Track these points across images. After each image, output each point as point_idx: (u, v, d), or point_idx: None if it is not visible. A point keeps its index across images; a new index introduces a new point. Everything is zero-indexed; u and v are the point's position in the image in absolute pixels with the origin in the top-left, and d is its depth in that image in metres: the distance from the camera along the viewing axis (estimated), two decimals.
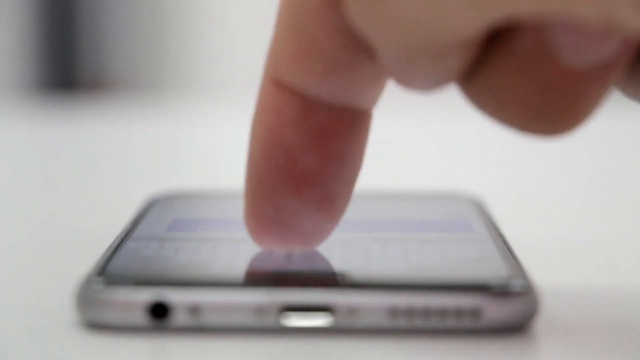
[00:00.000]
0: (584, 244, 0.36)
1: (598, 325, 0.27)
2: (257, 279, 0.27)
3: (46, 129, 0.71)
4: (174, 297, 0.25)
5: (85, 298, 0.26)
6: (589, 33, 0.21)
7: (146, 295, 0.25)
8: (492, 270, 0.27)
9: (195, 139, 0.67)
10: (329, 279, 0.26)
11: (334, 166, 0.25)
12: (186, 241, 0.30)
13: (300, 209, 0.26)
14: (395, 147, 0.64)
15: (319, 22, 0.24)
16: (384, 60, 0.23)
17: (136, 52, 1.78)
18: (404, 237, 0.30)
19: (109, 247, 0.29)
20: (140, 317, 0.25)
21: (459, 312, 0.25)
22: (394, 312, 0.25)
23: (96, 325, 0.26)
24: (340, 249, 0.29)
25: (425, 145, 0.65)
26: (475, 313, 0.25)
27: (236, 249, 0.29)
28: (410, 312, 0.25)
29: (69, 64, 1.69)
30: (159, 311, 0.25)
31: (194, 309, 0.25)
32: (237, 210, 0.28)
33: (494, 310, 0.25)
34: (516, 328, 0.26)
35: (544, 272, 0.29)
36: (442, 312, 0.25)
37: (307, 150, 0.25)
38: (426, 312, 0.25)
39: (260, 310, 0.25)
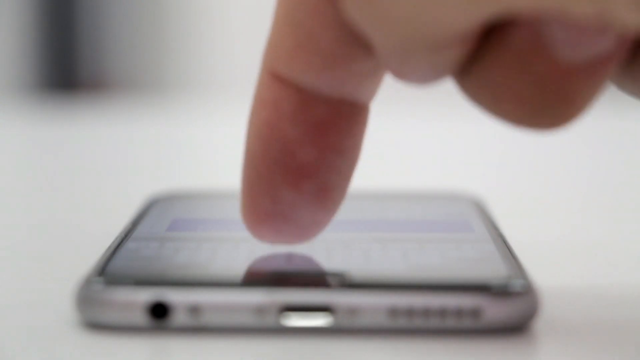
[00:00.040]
0: (584, 244, 0.36)
1: (598, 325, 0.27)
2: (257, 279, 0.27)
3: (46, 129, 0.71)
4: (174, 297, 0.25)
5: (85, 298, 0.26)
6: (583, 28, 0.22)
7: (146, 295, 0.25)
8: (492, 270, 0.27)
9: (195, 139, 0.67)
10: (329, 279, 0.26)
11: (331, 159, 0.26)
12: (186, 241, 0.30)
13: (297, 201, 0.26)
14: (395, 147, 0.64)
15: (316, 17, 0.24)
16: (381, 54, 0.23)
17: (136, 52, 1.78)
18: (404, 237, 0.30)
19: (109, 247, 0.29)
20: (140, 317, 0.25)
21: (459, 312, 0.25)
22: (394, 312, 0.25)
23: (96, 325, 0.26)
24: (340, 249, 0.29)
25: (425, 145, 0.65)
26: (475, 313, 0.25)
27: (236, 249, 0.29)
28: (410, 312, 0.25)
29: (69, 64, 1.69)
30: (159, 311, 0.25)
31: (194, 309, 0.25)
32: (237, 210, 0.28)
33: (494, 310, 0.25)
34: (516, 328, 0.26)
35: (544, 272, 0.29)
36: (442, 312, 0.25)
37: (305, 143, 0.25)
38: (426, 312, 0.25)
39: (260, 310, 0.25)
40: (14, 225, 0.40)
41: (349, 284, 0.26)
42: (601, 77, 0.22)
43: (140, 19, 1.77)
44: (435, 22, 0.22)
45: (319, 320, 0.25)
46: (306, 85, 0.25)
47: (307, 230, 0.27)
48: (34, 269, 0.33)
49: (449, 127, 0.70)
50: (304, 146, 0.25)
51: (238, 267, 0.27)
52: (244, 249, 0.29)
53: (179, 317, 0.25)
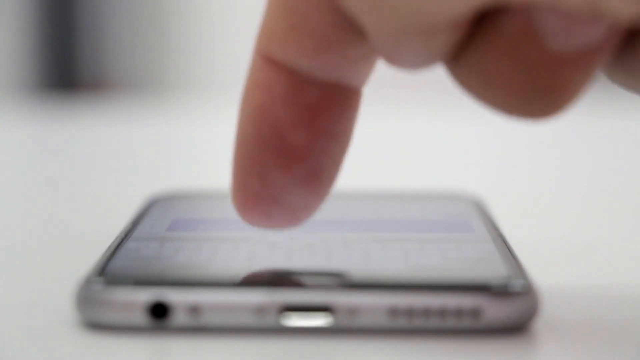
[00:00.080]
0: (584, 244, 0.36)
1: (598, 325, 0.27)
2: (257, 279, 0.27)
3: (46, 129, 0.71)
4: (174, 297, 0.25)
5: (85, 298, 0.26)
6: (575, 18, 0.22)
7: (146, 295, 0.25)
8: (492, 270, 0.27)
9: (195, 139, 0.67)
10: (329, 279, 0.26)
11: (322, 143, 0.25)
12: (186, 241, 0.30)
13: (287, 184, 0.26)
14: (395, 147, 0.64)
15: (310, 1, 0.24)
16: (373, 39, 0.23)
17: (136, 52, 1.78)
18: (404, 237, 0.30)
19: (109, 247, 0.29)
20: (140, 317, 0.25)
21: (459, 312, 0.25)
22: (394, 312, 0.25)
23: (96, 325, 0.26)
24: (340, 249, 0.29)
25: (425, 145, 0.65)
26: (475, 313, 0.25)
27: (236, 249, 0.29)
28: (410, 312, 0.25)
29: (69, 64, 1.69)
30: (159, 311, 0.25)
31: (194, 309, 0.25)
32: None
33: (494, 310, 0.25)
34: (516, 328, 0.26)
35: (544, 272, 0.29)
36: (442, 312, 0.25)
37: (297, 126, 0.25)
38: (426, 312, 0.25)
39: (260, 310, 0.25)
40: (14, 225, 0.40)
41: (349, 284, 0.26)
42: (592, 66, 0.23)
43: (140, 19, 1.77)
44: (428, 8, 0.22)
45: (319, 320, 0.25)
46: (299, 69, 0.25)
47: (297, 214, 0.27)
48: (34, 269, 0.33)
49: (449, 127, 0.70)
50: (296, 129, 0.25)
51: (238, 267, 0.27)
52: (244, 249, 0.29)
53: (179, 317, 0.25)
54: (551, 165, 0.57)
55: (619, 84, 0.24)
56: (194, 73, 1.76)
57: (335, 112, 0.25)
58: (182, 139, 0.67)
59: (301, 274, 0.27)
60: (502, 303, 0.25)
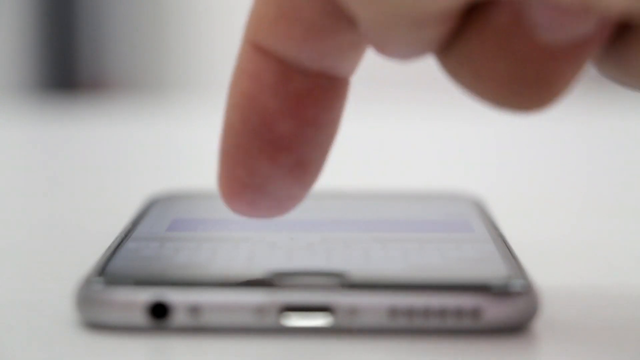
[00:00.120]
0: (584, 244, 0.36)
1: (598, 325, 0.27)
2: (257, 279, 0.27)
3: (46, 129, 0.71)
4: (174, 297, 0.25)
5: (85, 298, 0.26)
6: (565, 10, 0.22)
7: (146, 295, 0.25)
8: (492, 270, 0.27)
9: (195, 139, 0.67)
10: (329, 279, 0.26)
11: (309, 132, 0.25)
12: (186, 241, 0.30)
13: (273, 173, 0.26)
14: (395, 147, 0.64)
15: None
16: (363, 28, 0.23)
17: (136, 52, 1.78)
18: (404, 237, 0.30)
19: (109, 247, 0.29)
20: (140, 317, 0.25)
21: (459, 312, 0.25)
22: (394, 312, 0.25)
23: (96, 325, 0.26)
24: (340, 249, 0.29)
25: (425, 145, 0.65)
26: (475, 313, 0.25)
27: (236, 249, 0.29)
28: (410, 312, 0.25)
29: (69, 64, 1.69)
30: (159, 311, 0.25)
31: (194, 309, 0.25)
32: None
33: (494, 310, 0.25)
34: (516, 328, 0.26)
35: (544, 272, 0.29)
36: (442, 312, 0.25)
37: (284, 115, 0.25)
38: (426, 312, 0.25)
39: (260, 310, 0.25)
40: (14, 225, 0.40)
41: (349, 284, 0.26)
42: (581, 60, 0.22)
43: (140, 19, 1.77)
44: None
45: (319, 320, 0.25)
46: (287, 57, 0.25)
47: (282, 204, 0.27)
48: (34, 269, 0.33)
49: (449, 127, 0.70)
50: (283, 118, 0.25)
51: (238, 267, 0.27)
52: (244, 249, 0.29)
53: (179, 317, 0.25)
54: (551, 165, 0.57)
55: (609, 77, 0.24)
56: (194, 73, 1.76)
57: (323, 102, 0.25)
58: (182, 139, 0.67)
59: (301, 274, 0.27)
60: (502, 303, 0.25)
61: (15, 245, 0.36)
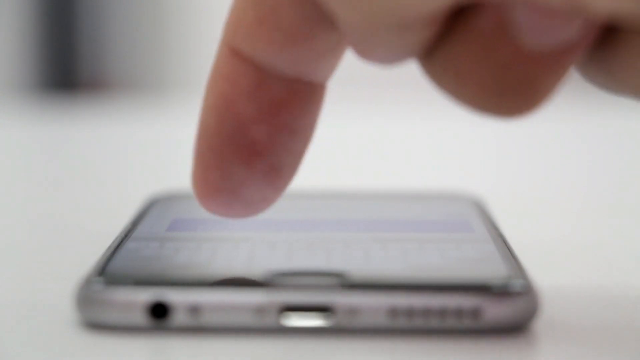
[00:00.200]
0: (584, 244, 0.36)
1: (598, 325, 0.27)
2: (257, 279, 0.27)
3: (46, 129, 0.71)
4: (174, 297, 0.25)
5: (85, 298, 0.26)
6: (549, 15, 0.21)
7: (146, 295, 0.25)
8: (492, 270, 0.27)
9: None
10: (329, 279, 0.26)
11: (284, 138, 0.25)
12: (186, 241, 0.30)
13: (247, 178, 0.26)
14: (395, 147, 0.64)
15: None
16: (346, 33, 0.23)
17: (136, 52, 1.78)
18: (404, 237, 0.30)
19: (109, 247, 0.29)
20: (140, 317, 0.25)
21: (459, 312, 0.25)
22: (394, 312, 0.25)
23: (96, 325, 0.26)
24: (340, 249, 0.29)
25: (425, 145, 0.65)
26: (475, 313, 0.25)
27: (236, 249, 0.29)
28: (410, 312, 0.25)
29: (69, 64, 1.69)
30: (159, 311, 0.25)
31: (194, 309, 0.25)
32: None
33: (494, 310, 0.25)
34: (516, 328, 0.26)
35: (544, 272, 0.29)
36: (442, 312, 0.25)
37: (259, 120, 0.25)
38: (426, 312, 0.25)
39: (260, 310, 0.25)
40: (14, 225, 0.40)
41: (349, 284, 0.26)
42: (566, 64, 0.22)
43: (140, 19, 1.77)
44: (403, 3, 0.22)
45: (319, 320, 0.25)
46: (265, 63, 0.25)
47: (255, 206, 0.26)
48: (34, 269, 0.33)
49: (449, 127, 0.70)
50: (258, 124, 0.25)
51: (238, 267, 0.27)
52: (244, 249, 0.29)
53: (179, 317, 0.25)
54: (551, 165, 0.57)
55: (594, 82, 0.24)
56: (194, 73, 1.76)
57: (299, 107, 0.25)
58: (182, 139, 0.67)
59: (301, 274, 0.27)
60: (502, 303, 0.25)
61: (15, 245, 0.36)
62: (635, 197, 0.47)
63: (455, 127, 0.69)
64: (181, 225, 0.32)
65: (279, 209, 0.33)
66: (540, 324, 0.26)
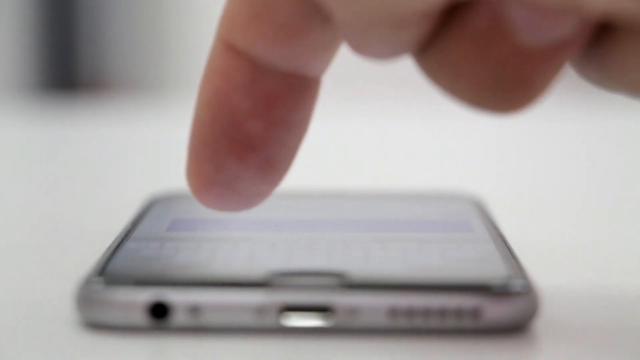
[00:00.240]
0: (584, 244, 0.36)
1: (598, 325, 0.27)
2: (257, 279, 0.27)
3: (46, 129, 0.71)
4: (174, 297, 0.25)
5: (85, 298, 0.26)
6: (544, 12, 0.21)
7: (146, 295, 0.25)
8: (492, 270, 0.27)
9: None
10: (329, 279, 0.26)
11: (278, 132, 0.25)
12: (186, 241, 0.30)
13: (241, 172, 0.26)
14: (395, 146, 0.64)
15: None
16: (341, 28, 0.23)
17: (136, 52, 1.78)
18: (404, 237, 0.30)
19: (109, 247, 0.29)
20: (140, 317, 0.25)
21: (459, 312, 0.25)
22: (394, 312, 0.25)
23: (96, 325, 0.26)
24: (340, 249, 0.29)
25: (425, 145, 0.65)
26: (475, 313, 0.25)
27: (236, 249, 0.29)
28: (410, 312, 0.25)
29: (69, 64, 1.69)
30: (159, 311, 0.25)
31: (194, 309, 0.25)
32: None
33: (494, 310, 0.25)
34: (516, 328, 0.26)
35: (544, 272, 0.29)
36: (442, 312, 0.25)
37: (253, 115, 0.25)
38: (426, 312, 0.25)
39: (260, 310, 0.25)
40: (14, 225, 0.40)
41: (349, 284, 0.26)
42: (561, 62, 0.22)
43: (140, 19, 1.77)
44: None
45: (319, 320, 0.25)
46: (259, 58, 0.25)
47: (250, 200, 0.26)
48: (34, 269, 0.33)
49: (449, 127, 0.70)
50: (252, 118, 0.25)
51: (238, 267, 0.27)
52: (244, 249, 0.29)
53: (179, 317, 0.25)
54: (551, 165, 0.57)
55: (589, 80, 0.24)
56: (194, 73, 1.76)
57: (293, 102, 0.25)
58: (182, 139, 0.67)
59: (301, 274, 0.27)
60: (502, 303, 0.25)
61: (15, 245, 0.36)
62: (635, 197, 0.47)
63: (455, 127, 0.69)
64: (181, 225, 0.32)
65: (279, 209, 0.33)
66: (540, 324, 0.26)
